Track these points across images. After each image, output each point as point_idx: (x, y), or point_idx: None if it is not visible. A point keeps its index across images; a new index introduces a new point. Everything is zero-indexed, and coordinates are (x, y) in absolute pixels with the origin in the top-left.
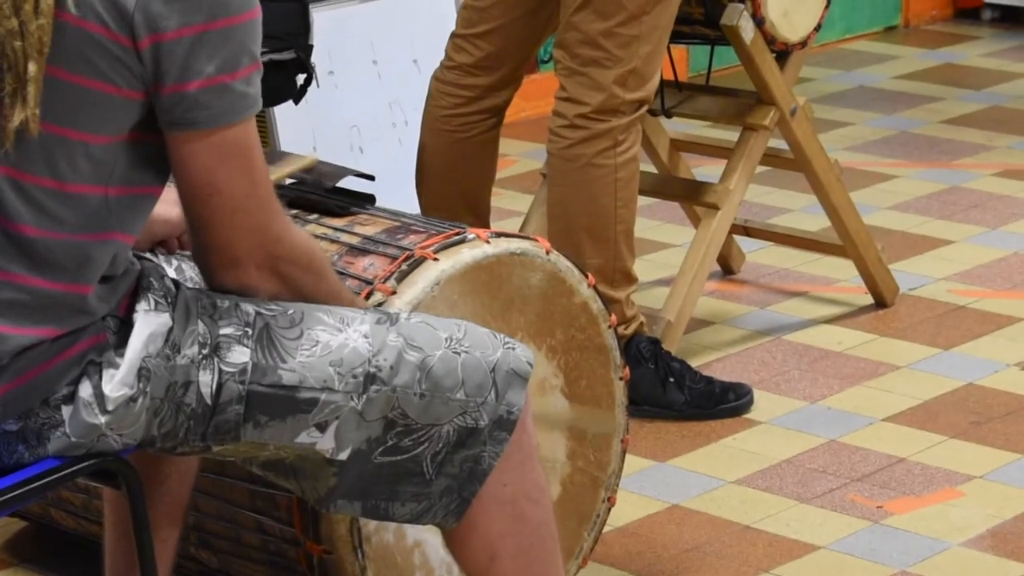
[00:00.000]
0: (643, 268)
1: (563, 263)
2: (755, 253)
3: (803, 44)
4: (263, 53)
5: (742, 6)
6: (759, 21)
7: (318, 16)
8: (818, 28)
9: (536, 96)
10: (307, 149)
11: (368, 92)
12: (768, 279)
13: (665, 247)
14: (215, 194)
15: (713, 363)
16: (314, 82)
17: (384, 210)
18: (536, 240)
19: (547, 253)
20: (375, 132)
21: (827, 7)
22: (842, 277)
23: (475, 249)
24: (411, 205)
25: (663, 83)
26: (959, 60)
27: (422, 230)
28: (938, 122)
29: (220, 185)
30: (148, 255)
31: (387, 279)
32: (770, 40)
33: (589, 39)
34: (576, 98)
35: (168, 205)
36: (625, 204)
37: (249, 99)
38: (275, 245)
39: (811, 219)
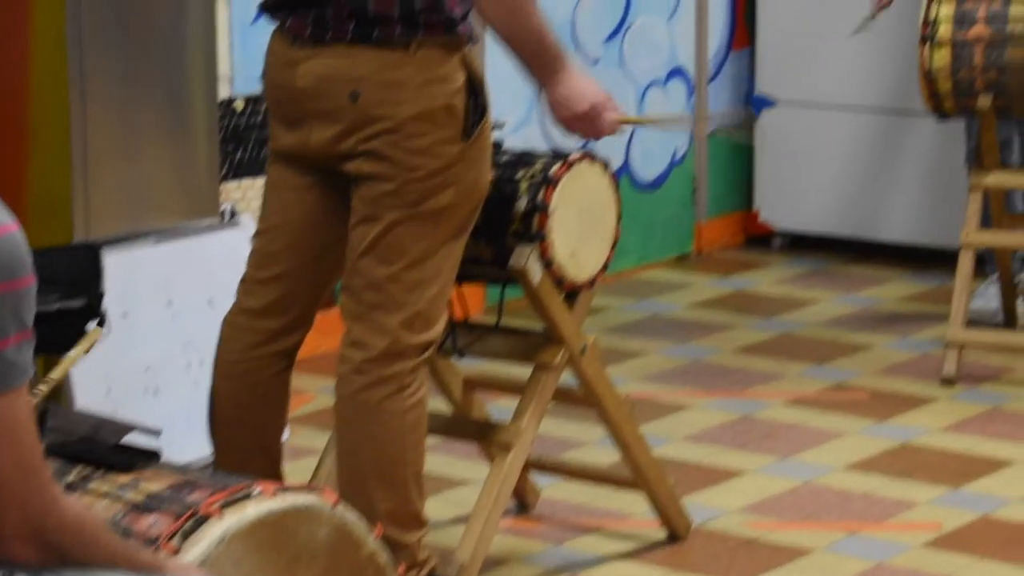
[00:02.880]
0: (438, 506)
1: (350, 516)
2: (550, 488)
3: (591, 283)
4: (55, 300)
5: (530, 248)
6: (547, 262)
7: (111, 258)
8: (605, 267)
9: (333, 332)
10: (101, 394)
11: (163, 333)
12: (563, 515)
13: (461, 484)
14: None
15: None
16: (107, 326)
17: (170, 465)
18: (323, 492)
19: (333, 506)
20: (170, 374)
21: (614, 246)
22: (636, 511)
23: (260, 505)
24: (207, 446)
25: (455, 323)
26: (750, 287)
27: (208, 485)
28: (730, 350)
29: None
30: None
31: (171, 537)
32: (558, 280)
33: (374, 283)
34: (362, 342)
35: None
36: (414, 447)
37: (18, 369)
38: (41, 518)
39: (606, 452)
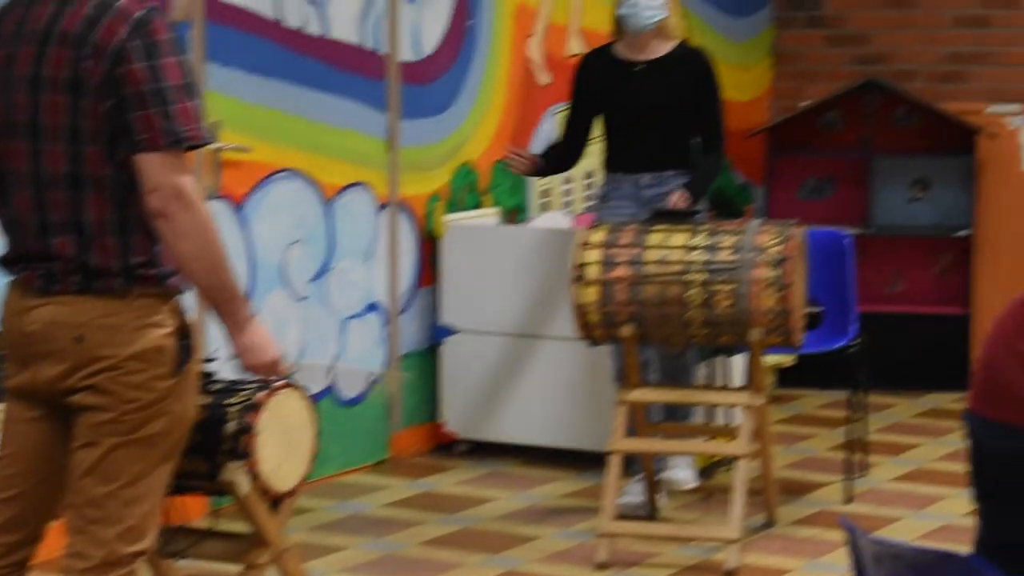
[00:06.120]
0: None
1: None
2: None
3: (293, 492)
4: None
5: (239, 463)
6: (254, 476)
7: None
8: (306, 477)
9: None
10: None
11: None
12: None
13: None
14: None
15: None
16: None
17: None
18: None
19: None
20: None
21: (313, 459)
22: None
23: None
24: None
25: (173, 529)
26: (437, 488)
27: None
28: (418, 544)
29: None
30: None
31: None
32: (264, 491)
33: (94, 501)
34: (82, 553)
35: None
36: None
37: None
38: None
39: None
